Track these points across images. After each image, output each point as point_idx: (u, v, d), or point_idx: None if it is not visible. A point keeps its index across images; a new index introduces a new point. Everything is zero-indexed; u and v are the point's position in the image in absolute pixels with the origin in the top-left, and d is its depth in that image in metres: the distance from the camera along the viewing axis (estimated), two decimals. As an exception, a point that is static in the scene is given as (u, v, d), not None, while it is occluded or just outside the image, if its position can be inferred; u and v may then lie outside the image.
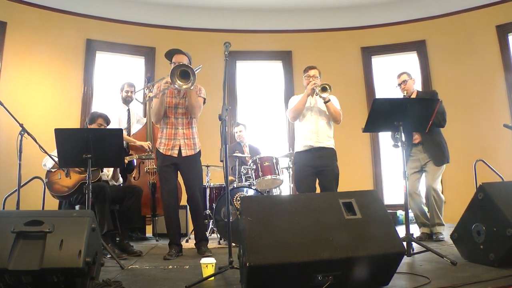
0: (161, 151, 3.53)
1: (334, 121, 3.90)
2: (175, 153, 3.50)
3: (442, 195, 3.90)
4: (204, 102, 3.64)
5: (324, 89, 3.72)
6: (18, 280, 1.78)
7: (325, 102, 3.77)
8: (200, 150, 3.64)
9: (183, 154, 3.51)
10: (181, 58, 3.49)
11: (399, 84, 4.05)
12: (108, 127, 3.85)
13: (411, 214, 4.04)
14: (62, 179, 3.56)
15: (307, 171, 3.78)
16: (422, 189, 4.05)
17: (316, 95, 3.80)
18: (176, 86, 3.24)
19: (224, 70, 2.81)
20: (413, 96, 4.02)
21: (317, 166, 3.76)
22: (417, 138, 3.94)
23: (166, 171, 3.51)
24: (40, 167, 3.64)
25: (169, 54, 3.55)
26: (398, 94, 4.12)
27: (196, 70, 3.42)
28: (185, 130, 3.56)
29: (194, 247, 3.60)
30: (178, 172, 3.60)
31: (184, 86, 3.23)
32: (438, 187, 3.88)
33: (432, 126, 3.82)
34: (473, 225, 2.58)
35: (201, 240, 3.55)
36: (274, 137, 6.50)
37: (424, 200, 4.00)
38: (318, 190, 3.88)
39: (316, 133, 3.80)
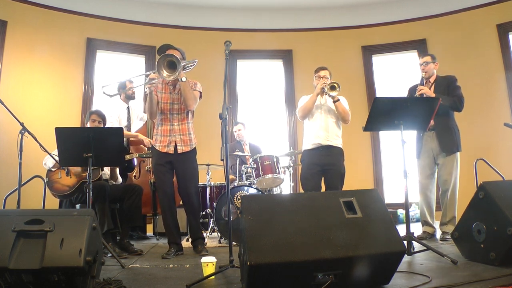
0: (157, 148, 3.48)
1: (342, 121, 3.93)
2: (171, 149, 3.45)
3: (456, 192, 3.80)
4: (200, 97, 3.59)
5: (333, 88, 3.75)
6: (19, 279, 1.78)
7: (334, 102, 3.80)
8: (195, 148, 3.59)
9: (179, 150, 3.46)
10: (173, 52, 3.40)
11: (420, 64, 4.00)
12: (107, 125, 3.85)
13: (411, 213, 4.02)
14: (62, 178, 3.56)
15: (313, 169, 3.79)
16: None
17: (325, 94, 3.82)
18: (165, 76, 3.16)
19: (224, 69, 2.81)
20: (432, 79, 3.97)
21: (324, 164, 3.77)
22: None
23: (161, 171, 3.46)
24: (41, 166, 3.65)
25: (162, 50, 3.47)
26: (399, 93, 4.12)
27: (188, 64, 3.38)
28: (181, 125, 3.50)
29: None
30: (174, 171, 3.56)
31: (172, 77, 3.17)
32: (456, 180, 3.80)
33: (447, 109, 3.80)
34: (474, 224, 2.58)
35: (197, 239, 3.55)
36: (275, 136, 6.50)
37: (433, 199, 3.95)
38: (323, 189, 3.89)
39: (325, 131, 3.82)
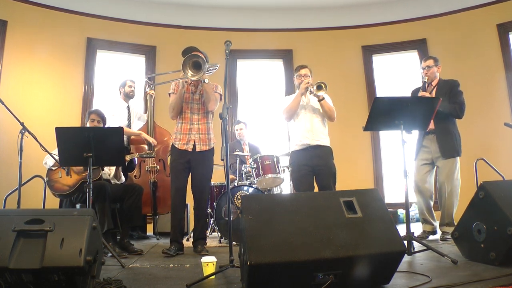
0: (176, 146, 3.55)
1: (328, 119, 3.88)
2: (190, 147, 3.51)
3: (457, 194, 3.79)
4: (220, 99, 3.65)
5: (319, 88, 3.70)
6: (19, 279, 1.78)
7: (319, 101, 3.75)
8: (213, 147, 3.64)
9: (197, 149, 3.52)
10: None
11: (423, 68, 3.97)
12: (107, 124, 3.85)
13: (411, 213, 4.01)
14: (62, 177, 3.56)
15: (304, 170, 3.76)
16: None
17: (311, 93, 3.79)
18: (189, 76, 3.26)
19: (225, 68, 2.81)
20: (434, 83, 3.95)
21: (314, 165, 3.74)
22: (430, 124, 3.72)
23: (178, 169, 3.52)
24: (41, 165, 3.65)
25: (187, 52, 3.49)
26: (399, 93, 4.11)
27: (211, 68, 3.45)
28: (200, 125, 3.57)
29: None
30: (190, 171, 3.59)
31: (196, 77, 3.26)
32: (455, 184, 3.79)
33: (448, 116, 3.80)
34: (474, 224, 2.58)
35: (199, 239, 3.55)
36: (275, 135, 6.49)
37: (431, 196, 3.94)
38: (316, 189, 3.88)
39: (311, 131, 3.79)
